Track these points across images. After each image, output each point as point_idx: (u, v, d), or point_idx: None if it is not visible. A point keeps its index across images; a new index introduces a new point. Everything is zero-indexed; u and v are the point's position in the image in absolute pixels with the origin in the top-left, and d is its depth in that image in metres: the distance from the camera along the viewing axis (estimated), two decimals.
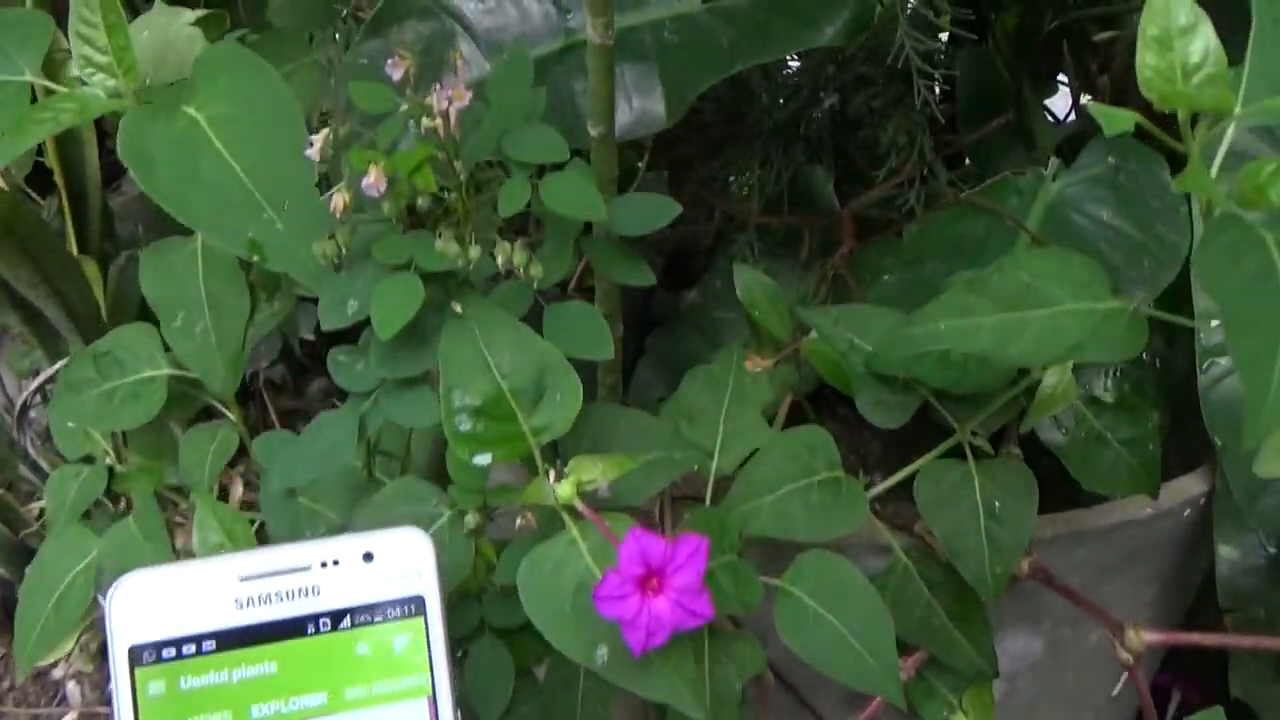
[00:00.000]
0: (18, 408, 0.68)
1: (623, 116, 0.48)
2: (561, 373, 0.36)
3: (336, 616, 0.27)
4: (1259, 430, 0.26)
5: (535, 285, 0.37)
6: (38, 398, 0.67)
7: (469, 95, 0.34)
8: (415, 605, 0.28)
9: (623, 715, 0.40)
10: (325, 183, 0.38)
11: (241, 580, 0.27)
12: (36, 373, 0.67)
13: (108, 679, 0.26)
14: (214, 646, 0.26)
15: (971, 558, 0.40)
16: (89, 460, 0.55)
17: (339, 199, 0.34)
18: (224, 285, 0.48)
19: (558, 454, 0.39)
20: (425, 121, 0.33)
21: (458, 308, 0.36)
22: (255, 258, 0.39)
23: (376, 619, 0.27)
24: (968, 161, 0.65)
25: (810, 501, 0.41)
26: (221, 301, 0.48)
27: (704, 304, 0.68)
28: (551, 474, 0.36)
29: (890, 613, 0.43)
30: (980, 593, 0.40)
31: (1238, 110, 0.31)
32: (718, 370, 0.49)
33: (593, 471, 0.36)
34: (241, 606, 0.26)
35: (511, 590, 0.34)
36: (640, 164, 0.56)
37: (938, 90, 0.53)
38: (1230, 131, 0.30)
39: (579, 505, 0.35)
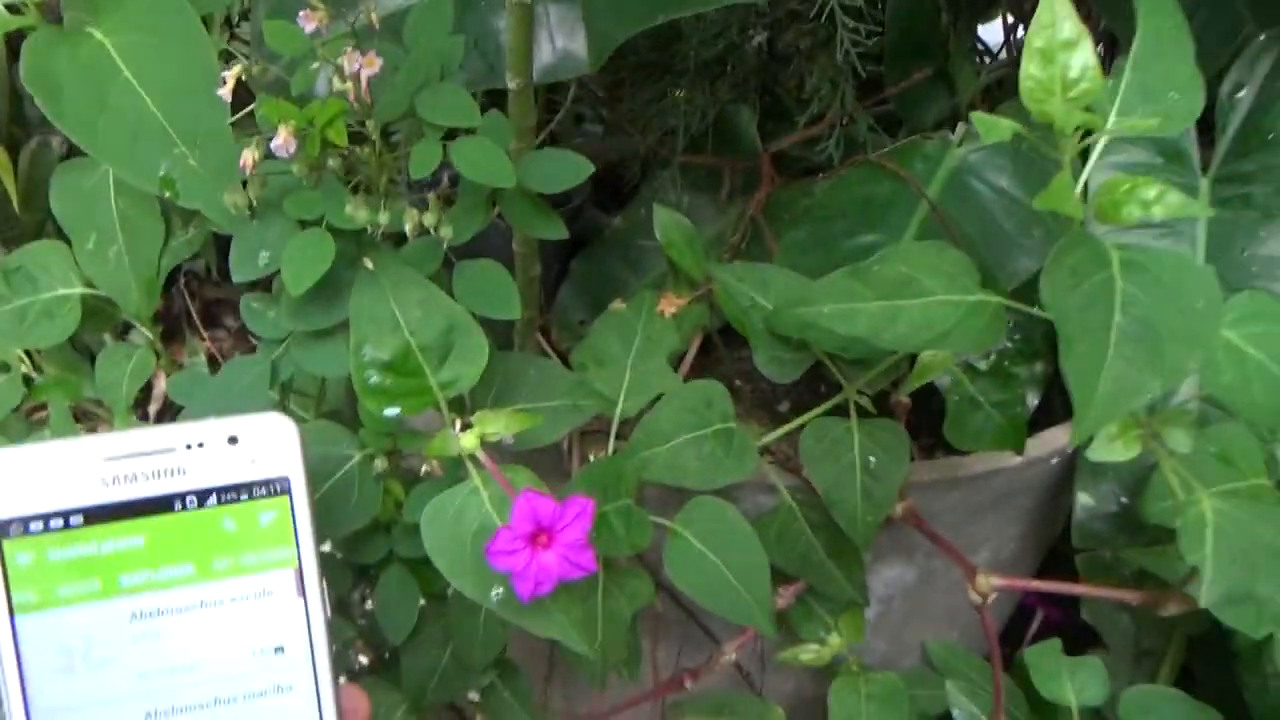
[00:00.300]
0: None
1: (545, 57, 0.48)
2: (468, 330, 0.38)
3: (202, 495, 0.29)
4: (1083, 431, 0.30)
5: (445, 245, 0.38)
6: None
7: (380, 63, 0.34)
8: (280, 485, 0.29)
9: (520, 641, 0.44)
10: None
11: (107, 460, 0.28)
12: None
13: None
14: (81, 521, 0.28)
15: (847, 507, 0.44)
16: (4, 369, 0.55)
17: (248, 155, 0.34)
18: (137, 210, 0.47)
19: (465, 405, 0.41)
20: (336, 83, 0.34)
21: (369, 264, 0.37)
22: (168, 194, 0.40)
23: (242, 497, 0.29)
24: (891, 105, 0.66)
25: (703, 452, 0.44)
26: (135, 226, 0.47)
27: (628, 231, 0.69)
28: (457, 424, 0.38)
29: (774, 548, 0.47)
30: (853, 539, 0.44)
31: (1110, 124, 0.33)
32: (629, 315, 0.51)
33: (496, 425, 0.38)
34: (108, 484, 0.28)
35: (418, 527, 0.37)
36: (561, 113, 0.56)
37: (866, 31, 0.54)
38: (1100, 146, 0.32)
39: (481, 457, 0.38)
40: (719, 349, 0.61)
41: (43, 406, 0.58)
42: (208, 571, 0.28)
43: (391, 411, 0.37)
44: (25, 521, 0.27)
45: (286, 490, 0.29)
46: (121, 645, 0.28)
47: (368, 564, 0.44)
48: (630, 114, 0.63)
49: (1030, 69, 0.32)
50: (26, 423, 0.57)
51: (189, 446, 0.29)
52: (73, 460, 0.28)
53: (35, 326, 0.49)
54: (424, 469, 0.41)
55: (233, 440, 0.29)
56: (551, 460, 0.52)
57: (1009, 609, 0.71)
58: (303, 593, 0.29)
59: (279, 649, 0.29)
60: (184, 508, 0.28)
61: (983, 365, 0.45)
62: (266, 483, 0.29)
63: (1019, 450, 0.48)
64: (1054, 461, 0.55)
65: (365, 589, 0.51)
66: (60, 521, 0.28)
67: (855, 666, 0.53)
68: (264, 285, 0.41)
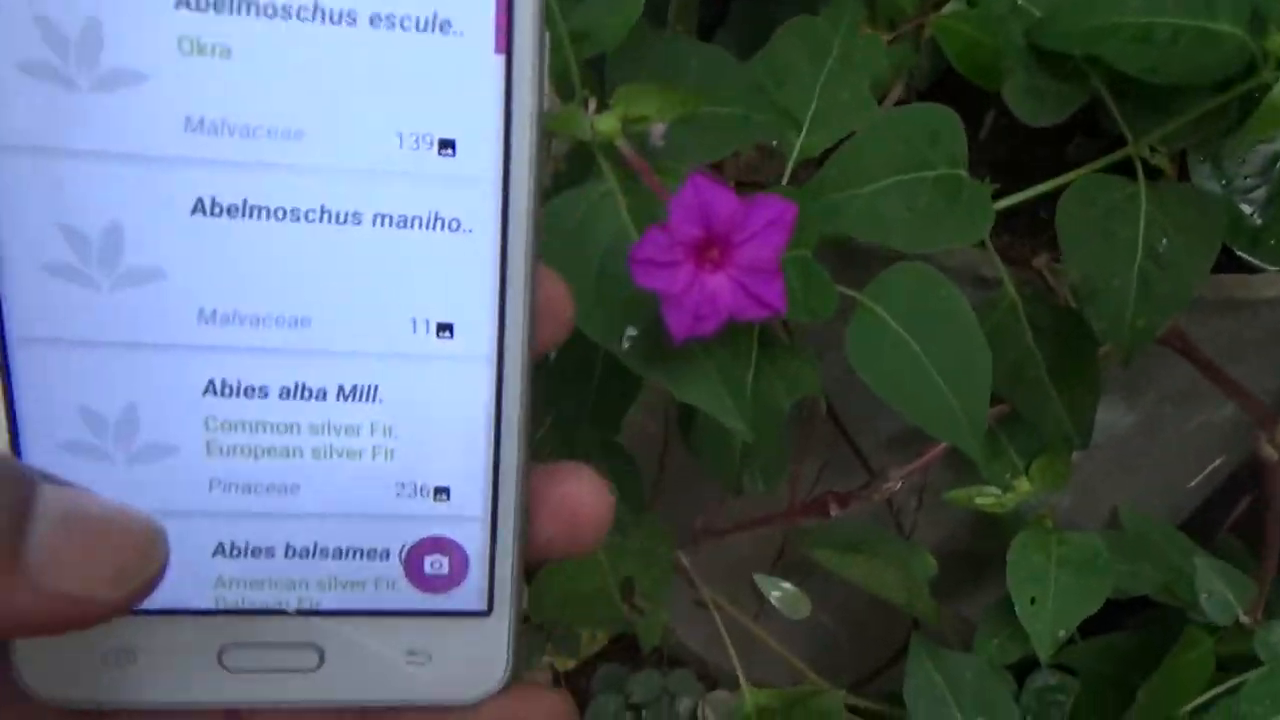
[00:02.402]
0: None
1: None
2: None
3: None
4: None
5: None
6: None
7: None
8: None
9: (628, 434, 0.34)
10: None
11: None
12: None
13: None
14: None
15: (1112, 301, 0.31)
16: None
17: None
18: None
19: (604, 84, 0.30)
20: None
21: None
22: None
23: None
24: None
25: (918, 201, 0.32)
26: None
27: None
28: (591, 103, 0.27)
29: None
30: (1114, 346, 0.32)
31: None
32: (823, 26, 0.38)
33: (646, 106, 0.27)
34: None
35: None
36: None
37: None
38: None
39: (622, 147, 0.27)
40: None
41: None
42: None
43: None
44: None
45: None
46: (155, 51, 0.15)
47: None
48: None
49: None
50: None
51: None
52: None
53: None
54: None
55: None
56: None
57: (1206, 493, 0.58)
58: (506, 43, 0.16)
59: (447, 144, 0.16)
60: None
61: None
62: None
63: None
64: None
65: None
66: None
67: (1049, 522, 0.42)
68: None
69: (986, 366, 0.31)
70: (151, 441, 0.16)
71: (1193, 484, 0.51)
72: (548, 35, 0.16)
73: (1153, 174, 0.32)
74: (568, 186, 0.27)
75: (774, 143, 0.35)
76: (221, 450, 0.17)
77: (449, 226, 0.16)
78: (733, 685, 0.46)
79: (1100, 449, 0.47)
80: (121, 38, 0.15)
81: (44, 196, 0.15)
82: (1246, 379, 0.45)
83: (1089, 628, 0.48)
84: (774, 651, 0.50)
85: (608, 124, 0.26)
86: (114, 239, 0.15)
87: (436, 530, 0.18)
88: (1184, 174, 0.34)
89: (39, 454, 0.16)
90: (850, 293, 0.32)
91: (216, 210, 0.15)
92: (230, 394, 0.16)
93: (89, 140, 0.15)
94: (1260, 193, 0.41)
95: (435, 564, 0.18)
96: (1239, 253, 0.41)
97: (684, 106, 0.27)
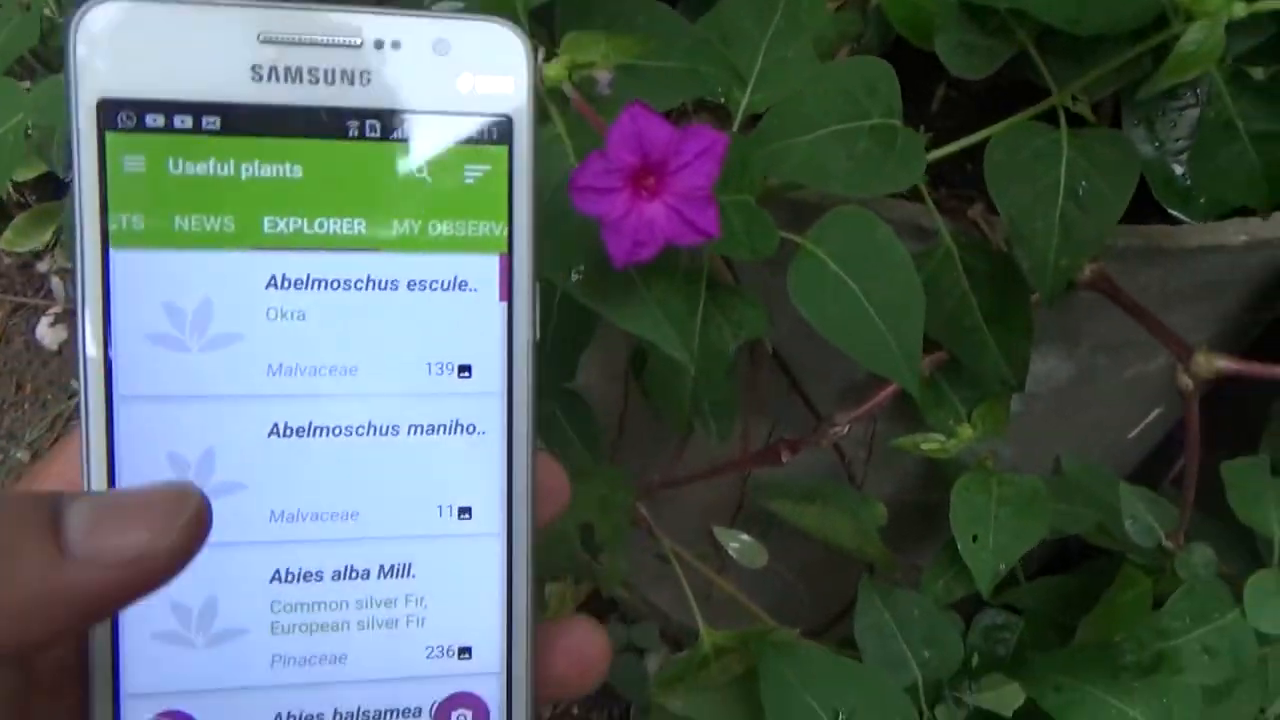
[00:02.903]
0: None
1: None
2: None
3: (389, 120, 0.20)
4: None
5: None
6: None
7: None
8: (499, 129, 0.20)
9: (590, 387, 0.36)
10: None
11: (263, 40, 0.19)
12: None
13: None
14: (218, 125, 0.19)
15: (1038, 243, 0.33)
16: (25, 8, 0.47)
17: None
18: None
19: (551, 34, 0.31)
20: None
21: None
22: None
23: (444, 135, 0.20)
24: None
25: (856, 149, 0.33)
26: None
27: None
28: (540, 51, 0.28)
29: None
30: (1038, 286, 0.34)
31: None
32: None
33: (592, 52, 0.28)
34: (261, 78, 0.19)
35: None
36: None
37: None
38: None
39: (570, 93, 0.28)
40: None
41: None
42: (381, 235, 0.20)
43: None
44: (141, 109, 0.18)
45: (507, 137, 0.20)
46: (250, 317, 0.19)
47: None
48: None
49: None
50: (42, 73, 0.49)
51: (379, 45, 0.19)
52: (215, 30, 0.19)
53: None
54: None
55: (441, 47, 0.20)
56: None
57: (1150, 446, 0.61)
58: (508, 294, 0.20)
59: (465, 369, 0.20)
60: (362, 134, 0.19)
61: (1260, 75, 0.33)
62: (480, 119, 0.20)
63: (1268, 209, 0.36)
64: None
65: None
66: (188, 119, 0.19)
67: (990, 464, 0.43)
68: None
69: (920, 304, 0.33)
70: (227, 627, 0.20)
71: (1133, 435, 0.54)
72: (537, 287, 0.21)
73: (1076, 123, 0.34)
74: None
75: (720, 98, 0.36)
76: (284, 629, 0.20)
77: (467, 430, 0.20)
78: (696, 641, 0.47)
79: (1040, 399, 0.49)
80: (226, 312, 0.19)
81: (154, 431, 0.19)
82: (1187, 325, 0.47)
83: (1034, 577, 0.51)
84: (734, 606, 0.51)
85: (555, 70, 0.28)
86: (206, 462, 0.19)
87: (462, 686, 0.21)
88: (1116, 127, 0.35)
89: (134, 639, 0.19)
90: (793, 237, 0.34)
91: (288, 433, 0.20)
92: (292, 580, 0.20)
93: (193, 387, 0.19)
94: (1190, 154, 0.43)
95: (461, 717, 0.21)
96: (1171, 211, 0.43)
97: (630, 53, 0.28)
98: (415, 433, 0.20)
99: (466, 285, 0.20)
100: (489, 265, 0.20)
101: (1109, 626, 0.43)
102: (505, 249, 0.20)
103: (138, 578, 0.15)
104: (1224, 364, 0.33)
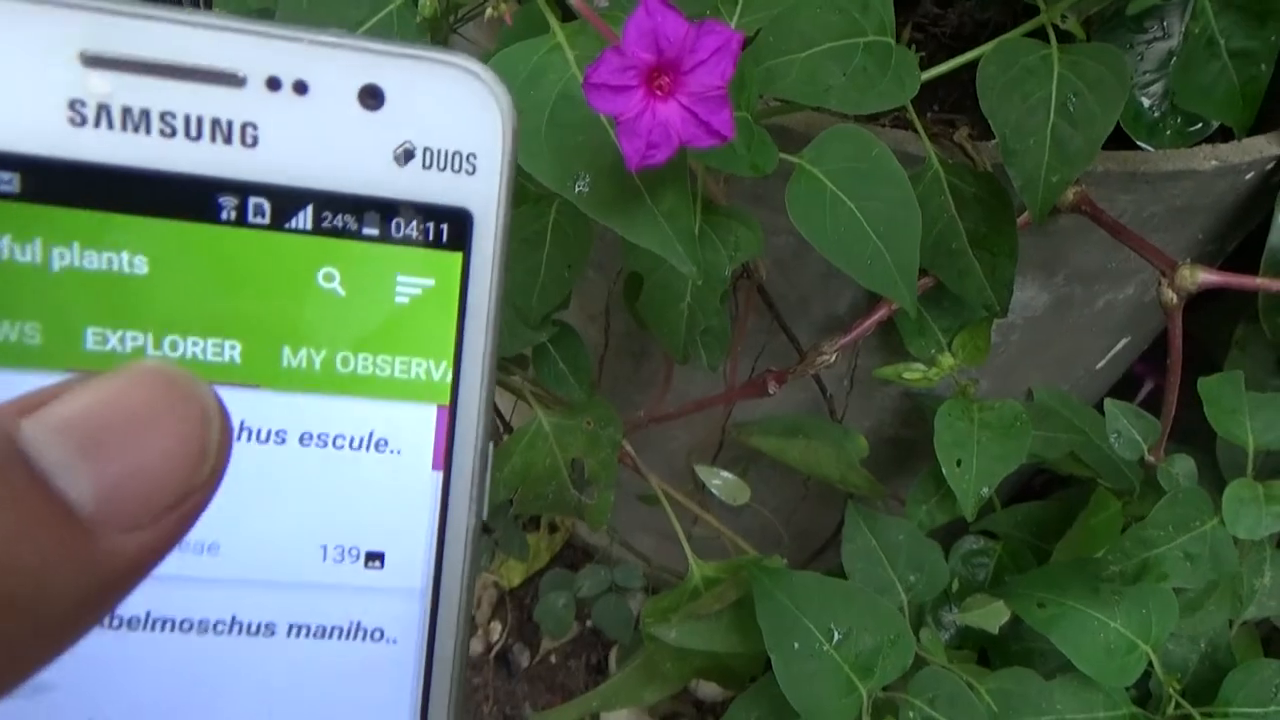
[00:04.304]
0: None
1: None
2: None
3: (283, 199, 0.13)
4: None
5: None
6: None
7: None
8: (451, 227, 0.14)
9: (577, 312, 0.35)
10: None
11: (87, 61, 0.12)
12: None
13: None
14: (15, 187, 0.13)
15: (1028, 159, 0.33)
16: None
17: None
18: None
19: None
20: None
21: None
22: None
23: (366, 231, 0.14)
24: None
25: (850, 66, 0.33)
26: None
27: None
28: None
29: None
30: (1029, 202, 0.34)
31: None
32: None
33: None
34: (84, 120, 0.12)
35: None
36: None
37: None
38: None
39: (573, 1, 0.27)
40: None
41: None
42: (266, 367, 0.14)
43: None
44: None
45: (463, 240, 0.14)
46: None
47: None
48: None
49: None
50: None
51: (274, 84, 0.13)
52: (7, 40, 0.12)
53: None
54: (487, 13, 0.30)
55: (371, 97, 0.13)
56: None
57: (1114, 378, 0.62)
58: (445, 461, 0.15)
59: (375, 557, 0.15)
60: (239, 219, 0.13)
61: None
62: (426, 211, 0.14)
63: (1243, 125, 0.37)
64: (1249, 177, 0.44)
65: None
66: None
67: (971, 391, 0.44)
68: None
69: (916, 221, 0.33)
70: None
71: (1100, 365, 0.55)
72: (491, 448, 0.15)
73: (1066, 40, 0.34)
74: (515, 39, 0.28)
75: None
76: None
77: (371, 637, 0.15)
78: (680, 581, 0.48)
79: (1016, 329, 0.50)
80: None
81: None
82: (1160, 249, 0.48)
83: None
84: (715, 546, 0.52)
85: None
86: None
87: None
88: None
89: None
90: (790, 157, 0.34)
91: (116, 624, 0.14)
92: None
93: None
94: (1158, 87, 0.43)
95: None
96: (1139, 143, 0.44)
97: None
98: (298, 635, 0.15)
99: (386, 445, 0.15)
100: (421, 420, 0.15)
101: (1084, 547, 0.44)
102: (447, 399, 0.14)
103: (176, 520, 0.11)
104: (1206, 276, 0.34)
